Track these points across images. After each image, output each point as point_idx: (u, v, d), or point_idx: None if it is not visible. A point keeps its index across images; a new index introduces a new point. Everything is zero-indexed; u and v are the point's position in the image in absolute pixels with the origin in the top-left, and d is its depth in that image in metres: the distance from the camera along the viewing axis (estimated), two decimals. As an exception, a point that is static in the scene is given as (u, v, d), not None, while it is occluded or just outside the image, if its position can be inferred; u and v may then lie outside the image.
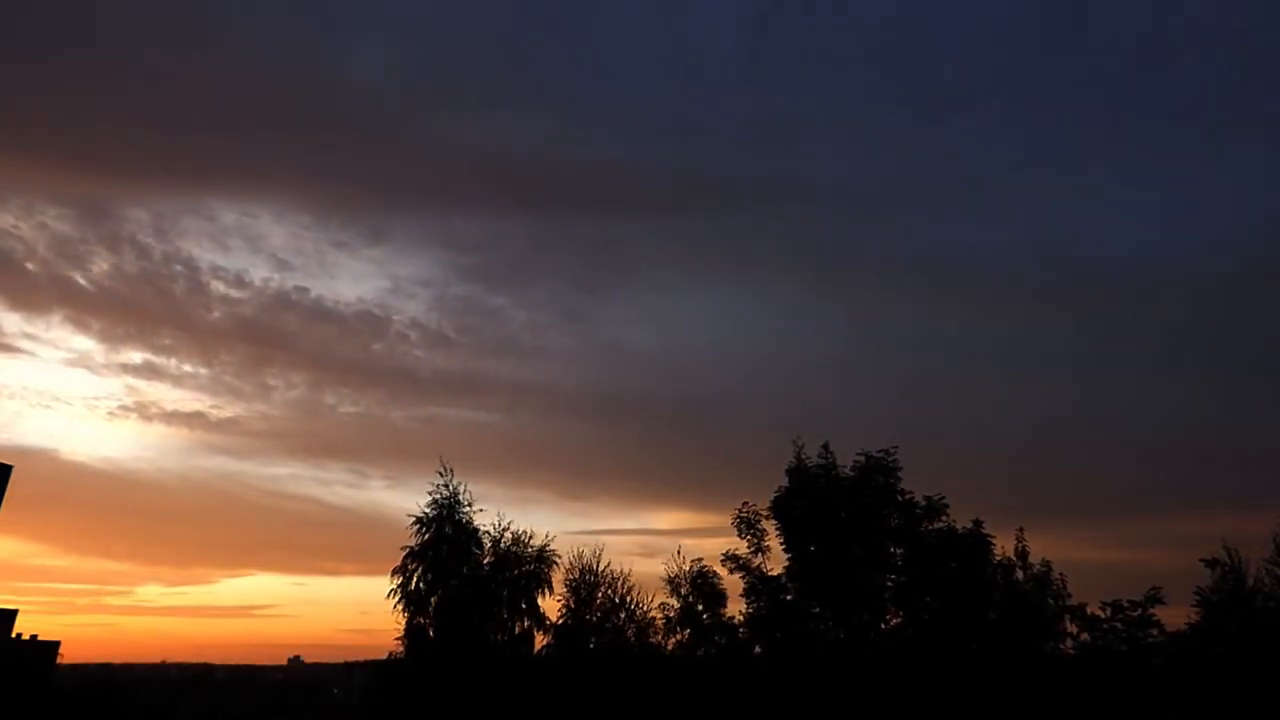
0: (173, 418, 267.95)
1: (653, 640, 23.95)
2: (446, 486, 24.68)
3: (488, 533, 24.67)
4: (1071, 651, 19.34)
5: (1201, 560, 19.27)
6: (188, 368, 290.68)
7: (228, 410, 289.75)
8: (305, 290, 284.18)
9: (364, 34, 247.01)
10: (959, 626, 19.33)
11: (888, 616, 20.39)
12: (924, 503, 20.68)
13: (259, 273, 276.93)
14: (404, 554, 23.91)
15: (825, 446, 21.99)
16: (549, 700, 21.88)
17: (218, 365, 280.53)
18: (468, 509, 24.51)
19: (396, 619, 23.22)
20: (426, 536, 23.98)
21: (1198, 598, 19.27)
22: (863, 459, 21.33)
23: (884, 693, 18.48)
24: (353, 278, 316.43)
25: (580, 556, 25.32)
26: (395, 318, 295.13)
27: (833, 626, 20.55)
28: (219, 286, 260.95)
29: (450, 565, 23.63)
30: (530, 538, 25.10)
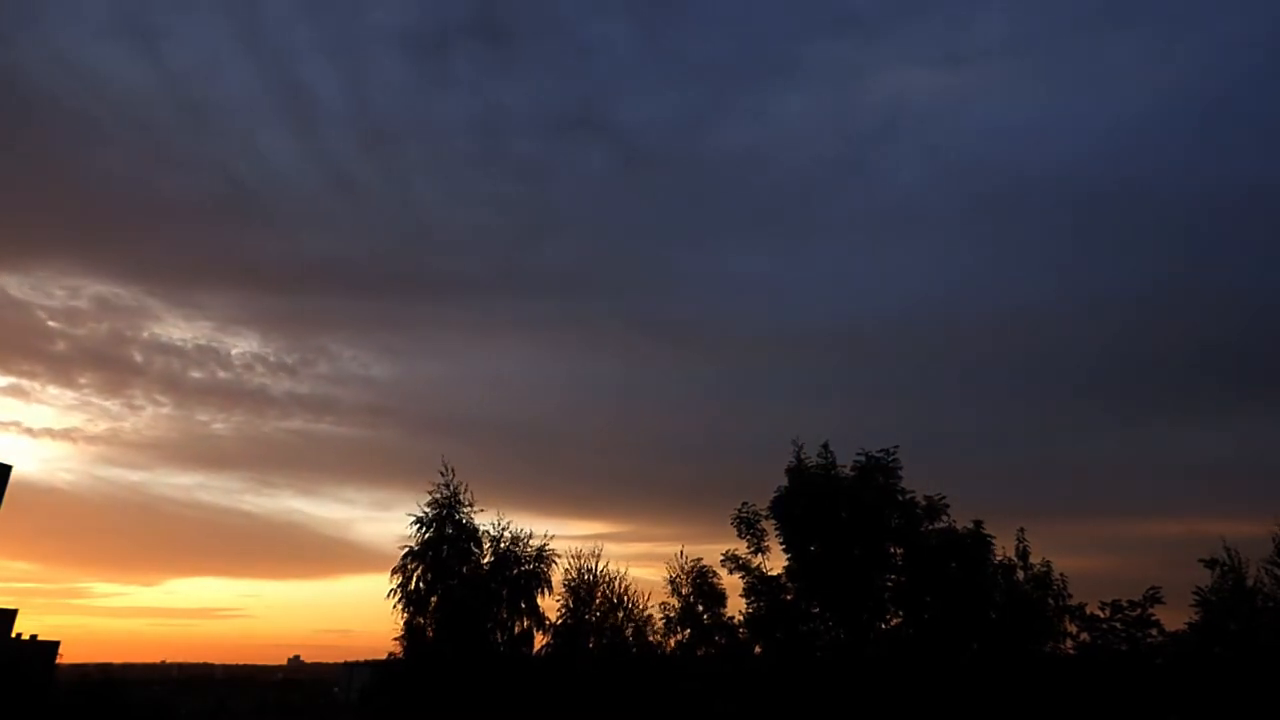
0: (56, 433, 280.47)
1: (652, 640, 23.99)
2: (447, 486, 24.63)
3: (487, 532, 24.68)
4: (1072, 651, 19.34)
5: (1200, 560, 19.29)
6: (53, 390, 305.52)
7: (105, 426, 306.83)
8: (138, 328, 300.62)
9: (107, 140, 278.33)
10: (959, 626, 19.32)
11: (888, 616, 20.35)
12: (924, 503, 20.68)
13: (87, 312, 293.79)
14: (403, 554, 23.92)
15: (825, 446, 21.97)
16: (549, 700, 21.88)
17: (80, 389, 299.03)
18: (467, 509, 24.52)
19: (396, 619, 23.26)
20: (427, 536, 23.98)
21: (1197, 598, 19.28)
22: (862, 459, 21.30)
23: (884, 693, 18.48)
24: (175, 319, 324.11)
25: (578, 556, 25.38)
26: (233, 350, 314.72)
27: (833, 626, 20.51)
28: (53, 324, 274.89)
29: (450, 565, 23.64)
30: (530, 537, 25.13)
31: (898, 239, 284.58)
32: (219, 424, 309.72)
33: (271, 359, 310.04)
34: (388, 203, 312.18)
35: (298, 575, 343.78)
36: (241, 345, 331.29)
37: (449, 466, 24.71)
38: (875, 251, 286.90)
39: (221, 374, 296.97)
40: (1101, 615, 18.55)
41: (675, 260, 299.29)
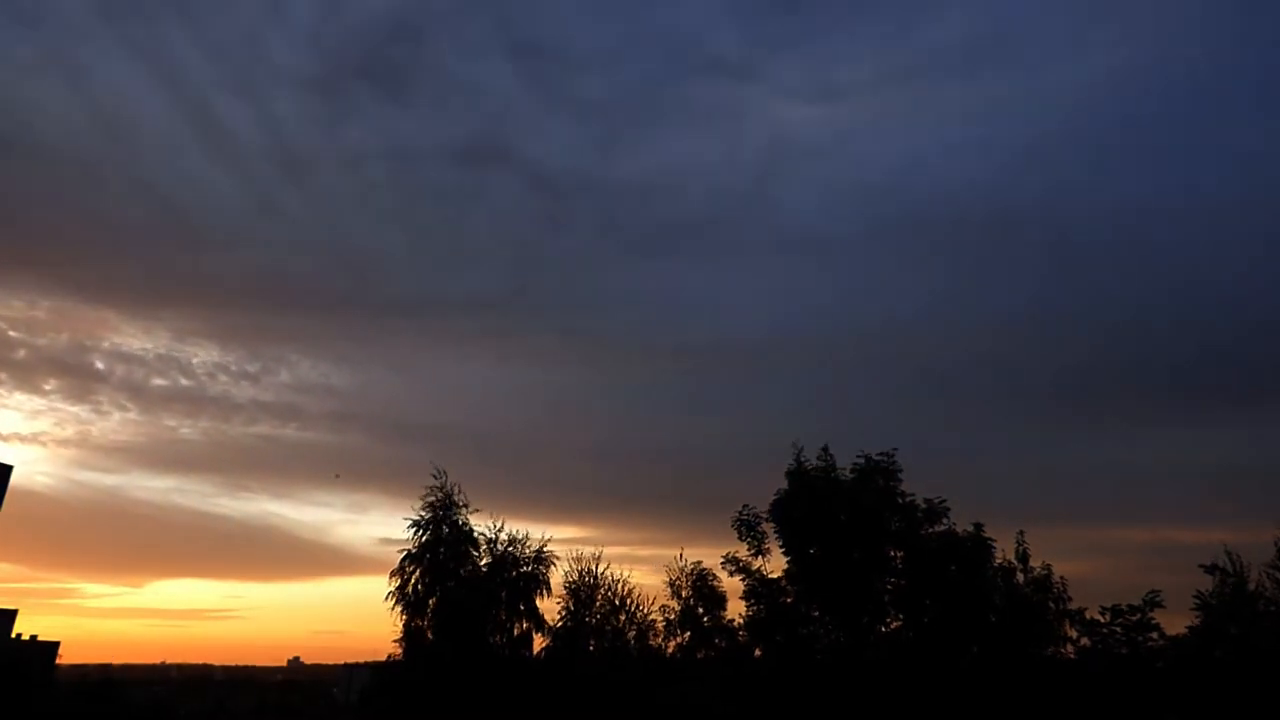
0: (25, 437, 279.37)
1: (653, 643, 23.95)
2: (441, 489, 24.61)
3: (483, 534, 24.64)
4: (1072, 655, 19.29)
5: (1200, 566, 19.27)
6: (19, 395, 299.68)
7: (74, 430, 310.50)
8: (97, 338, 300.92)
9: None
10: (959, 630, 19.28)
11: (887, 619, 20.32)
12: (924, 505, 20.63)
13: (46, 322, 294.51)
14: (401, 556, 23.89)
15: (825, 449, 21.95)
16: (548, 702, 21.84)
17: (46, 394, 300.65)
18: (463, 510, 24.48)
19: (395, 620, 23.23)
20: (423, 539, 23.93)
21: (1197, 601, 19.25)
22: (862, 462, 21.26)
23: (884, 696, 18.44)
24: (133, 330, 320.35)
25: (579, 559, 25.33)
26: (194, 359, 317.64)
27: (832, 629, 20.48)
28: (14, 334, 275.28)
29: (448, 567, 23.60)
30: (527, 539, 25.09)
31: (804, 260, 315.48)
32: (186, 429, 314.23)
33: (233, 368, 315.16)
34: (316, 228, 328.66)
35: (281, 577, 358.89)
36: (201, 355, 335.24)
37: (442, 470, 24.72)
38: (789, 271, 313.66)
39: (184, 381, 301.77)
40: (1102, 619, 18.50)
41: (600, 279, 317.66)
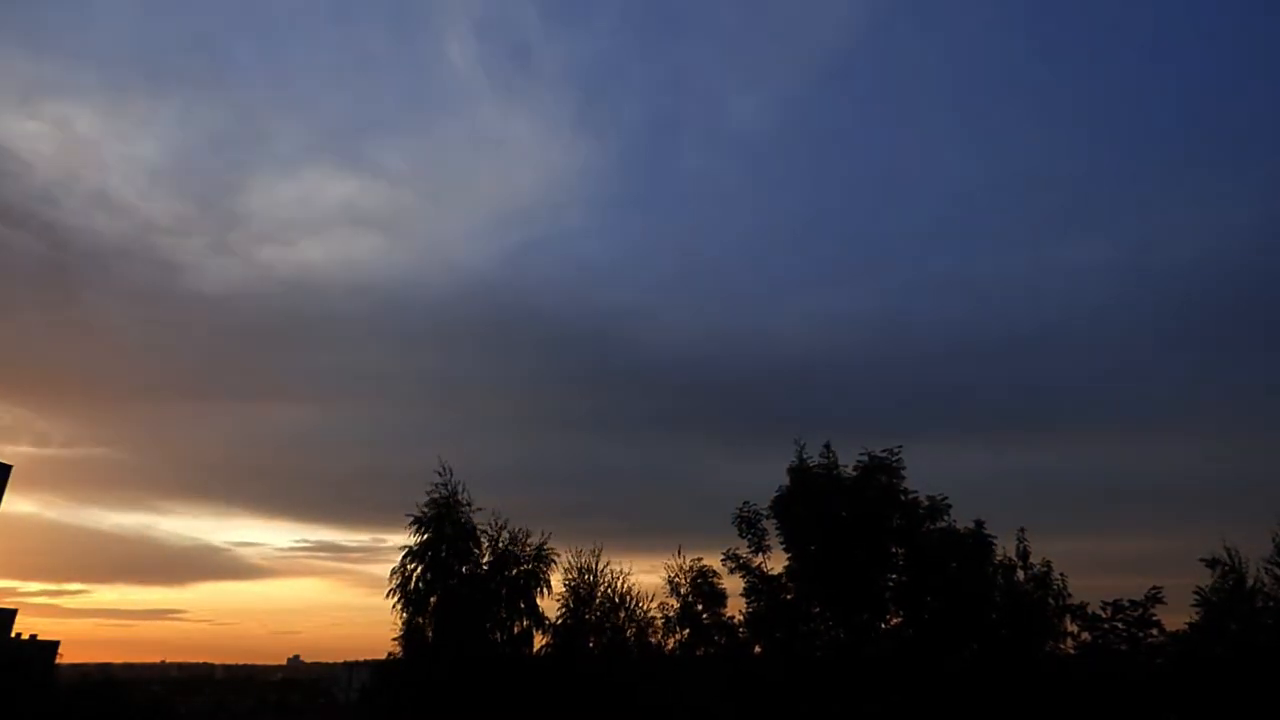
0: None
1: (652, 640, 23.95)
2: (445, 486, 24.56)
3: (485, 532, 24.62)
4: (1072, 651, 19.30)
5: (1201, 560, 19.28)
6: None
7: None
8: None
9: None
10: (959, 626, 19.29)
11: (888, 616, 20.32)
12: (926, 503, 20.63)
13: None
14: (403, 554, 23.90)
15: (827, 446, 21.88)
16: (549, 699, 21.86)
17: None
18: (466, 508, 24.45)
19: (395, 618, 23.24)
20: (425, 536, 23.93)
21: (1197, 597, 19.27)
22: (865, 459, 21.22)
23: (884, 692, 18.45)
24: None
25: (579, 556, 25.34)
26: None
27: (833, 626, 20.47)
28: None
29: (449, 565, 23.60)
30: (528, 537, 25.09)
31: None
32: (9, 449, 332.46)
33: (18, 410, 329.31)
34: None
35: (196, 580, 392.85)
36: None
37: (446, 467, 24.66)
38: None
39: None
40: (1103, 615, 18.51)
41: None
